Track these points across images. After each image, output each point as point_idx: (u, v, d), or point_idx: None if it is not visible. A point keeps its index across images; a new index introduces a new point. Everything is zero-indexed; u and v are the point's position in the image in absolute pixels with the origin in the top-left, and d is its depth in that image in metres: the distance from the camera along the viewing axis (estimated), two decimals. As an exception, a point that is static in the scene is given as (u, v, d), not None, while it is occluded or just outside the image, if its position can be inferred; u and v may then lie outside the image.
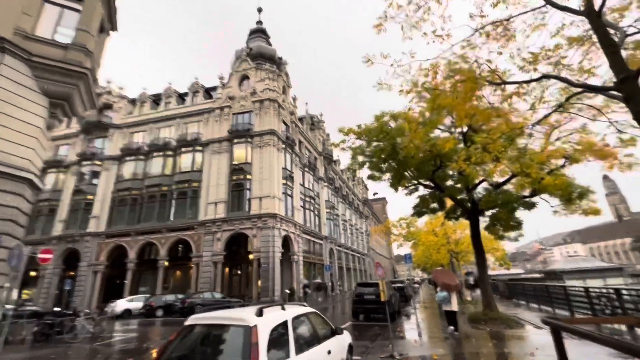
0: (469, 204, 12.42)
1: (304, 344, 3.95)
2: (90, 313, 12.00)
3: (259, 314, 3.51)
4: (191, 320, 3.65)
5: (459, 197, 12.60)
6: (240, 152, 27.44)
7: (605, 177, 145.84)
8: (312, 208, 34.59)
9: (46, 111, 10.17)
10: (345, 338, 5.59)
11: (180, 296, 20.06)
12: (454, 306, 10.86)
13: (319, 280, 28.47)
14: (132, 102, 33.65)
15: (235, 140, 27.73)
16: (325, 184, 40.07)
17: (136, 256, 26.60)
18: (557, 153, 8.48)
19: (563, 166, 9.52)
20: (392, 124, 11.81)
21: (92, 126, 31.50)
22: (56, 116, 10.55)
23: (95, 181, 29.56)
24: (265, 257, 23.77)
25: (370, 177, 14.22)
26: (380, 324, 12.30)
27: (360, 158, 13.84)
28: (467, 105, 5.04)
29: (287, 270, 27.79)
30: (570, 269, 25.69)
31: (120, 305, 20.02)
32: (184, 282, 26.97)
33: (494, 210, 11.64)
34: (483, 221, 12.79)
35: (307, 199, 33.56)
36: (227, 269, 28.14)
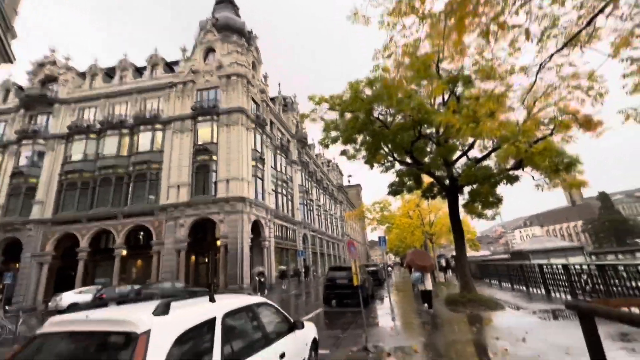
0: (448, 181, 11.66)
1: (241, 351, 2.73)
2: (10, 310, 10.09)
3: (161, 311, 2.21)
4: (49, 325, 2.29)
5: (437, 174, 11.79)
6: (205, 131, 25.28)
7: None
8: (284, 192, 33.21)
9: None
10: (308, 333, 4.45)
11: (136, 286, 18.19)
12: (429, 285, 10.37)
13: (283, 267, 27.30)
14: (82, 75, 30.03)
15: (200, 119, 25.48)
16: (299, 167, 38.69)
17: (88, 245, 24.06)
18: (546, 119, 7.71)
19: (550, 134, 8.83)
20: (369, 92, 10.62)
21: (34, 100, 27.77)
22: (-50, 68, 8.32)
23: (39, 163, 26.25)
24: (234, 243, 22.26)
25: (344, 154, 13.10)
26: (354, 310, 11.44)
27: (333, 133, 12.64)
28: (465, 34, 3.90)
29: (257, 257, 26.46)
30: (536, 249, 26.46)
31: (67, 298, 17.81)
32: (145, 272, 24.90)
33: (474, 186, 10.95)
34: (461, 199, 12.13)
35: (280, 182, 32.10)
36: (193, 257, 26.36)
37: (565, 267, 9.76)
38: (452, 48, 4.88)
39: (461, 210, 13.12)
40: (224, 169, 23.92)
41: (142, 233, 26.00)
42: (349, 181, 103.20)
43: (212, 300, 2.84)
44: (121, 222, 23.90)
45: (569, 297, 9.58)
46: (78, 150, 26.34)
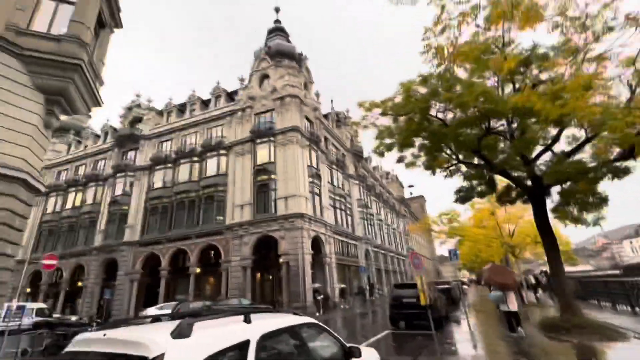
0: (529, 182, 9.92)
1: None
2: (107, 323, 11.21)
3: (181, 332, 1.87)
4: (73, 344, 2.13)
5: (514, 175, 10.13)
6: (264, 152, 26.48)
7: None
8: (343, 207, 32.73)
9: (42, 108, 9.57)
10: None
11: (207, 303, 19.17)
12: (513, 306, 8.83)
13: (342, 285, 25.19)
14: (160, 113, 34.37)
15: (258, 141, 26.86)
16: (356, 182, 38.01)
17: (168, 263, 26.50)
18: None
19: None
20: (423, 91, 9.76)
21: (125, 139, 32.53)
22: (53, 113, 9.93)
23: (129, 192, 30.28)
24: (295, 260, 22.34)
25: (400, 161, 12.21)
26: (425, 333, 10.18)
27: (388, 140, 11.93)
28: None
29: (319, 273, 26.14)
30: (660, 262, 21.10)
31: (150, 313, 19.57)
32: (217, 288, 26.37)
33: (564, 185, 9.06)
34: (549, 202, 10.17)
35: (337, 197, 31.79)
36: (259, 274, 27.15)
37: None
38: (521, 14, 4.01)
39: (550, 216, 11.03)
40: (282, 187, 24.54)
41: (213, 252, 27.80)
42: (410, 193, 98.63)
43: (247, 320, 2.44)
44: (194, 242, 25.91)
45: None
46: (158, 179, 29.73)
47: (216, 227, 25.60)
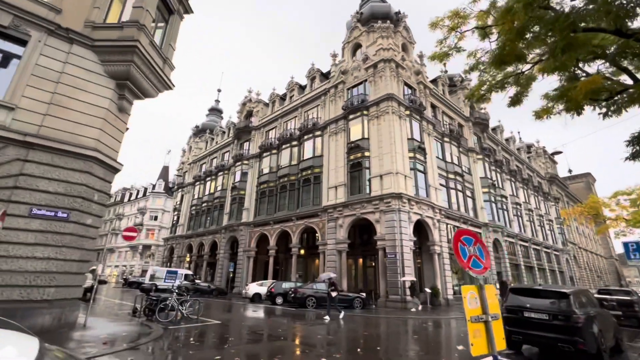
0: None
1: None
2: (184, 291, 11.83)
3: None
4: None
5: None
6: (356, 127, 24.23)
7: None
8: (459, 187, 27.11)
9: (114, 93, 10.35)
10: None
11: (298, 284, 18.87)
12: None
13: (412, 279, 18.46)
14: (266, 104, 36.76)
15: (351, 116, 24.77)
16: (480, 156, 30.96)
17: (275, 243, 28.04)
18: None
19: None
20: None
21: (241, 131, 36.37)
22: (125, 97, 10.70)
23: (245, 178, 33.75)
24: (392, 247, 19.48)
25: (516, 102, 8.00)
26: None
27: (498, 75, 7.99)
28: None
29: (427, 264, 22.34)
30: None
31: (252, 289, 20.87)
32: (317, 270, 26.31)
33: None
34: None
35: (451, 175, 26.47)
36: (360, 260, 25.56)
37: None
38: None
39: None
40: (376, 164, 21.83)
41: (317, 234, 27.83)
42: (570, 171, 76.15)
43: None
44: (295, 224, 26.39)
45: None
46: (266, 164, 31.84)
47: (313, 209, 25.25)
